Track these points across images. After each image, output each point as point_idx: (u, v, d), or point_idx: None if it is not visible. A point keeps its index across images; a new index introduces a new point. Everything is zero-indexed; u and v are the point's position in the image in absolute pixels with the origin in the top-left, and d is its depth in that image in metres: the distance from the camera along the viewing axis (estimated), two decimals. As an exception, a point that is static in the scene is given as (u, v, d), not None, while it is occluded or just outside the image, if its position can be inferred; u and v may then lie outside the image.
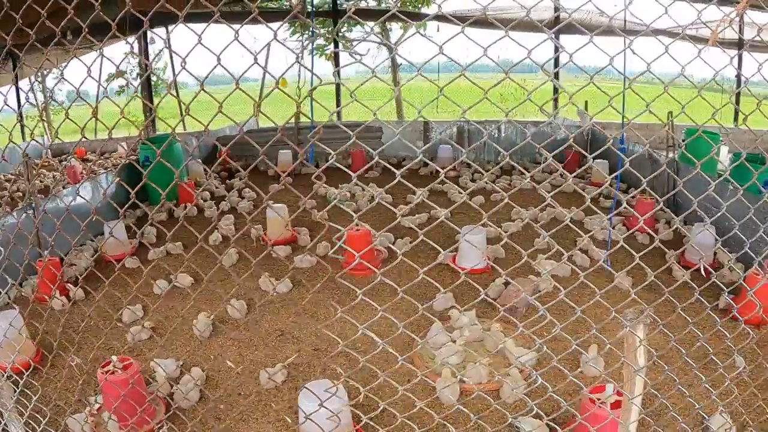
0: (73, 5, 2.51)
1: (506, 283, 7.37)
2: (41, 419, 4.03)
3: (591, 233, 9.13)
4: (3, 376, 4.16)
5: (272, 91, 2.88)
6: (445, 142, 14.22)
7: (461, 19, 14.91)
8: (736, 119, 16.07)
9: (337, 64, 16.39)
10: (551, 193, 2.65)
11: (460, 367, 5.88)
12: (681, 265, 7.75)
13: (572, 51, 2.41)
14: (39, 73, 15.39)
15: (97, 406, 5.11)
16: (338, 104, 15.87)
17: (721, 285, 3.36)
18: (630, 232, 4.97)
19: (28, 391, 4.43)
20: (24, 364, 5.38)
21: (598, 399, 4.33)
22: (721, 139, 11.34)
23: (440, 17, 14.94)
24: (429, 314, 6.62)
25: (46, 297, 7.10)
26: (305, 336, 6.49)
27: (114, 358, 4.71)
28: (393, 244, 8.84)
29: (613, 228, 9.17)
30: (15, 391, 4.01)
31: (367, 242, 8.16)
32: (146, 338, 6.46)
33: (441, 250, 3.09)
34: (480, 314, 6.85)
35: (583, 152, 2.95)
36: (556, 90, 15.48)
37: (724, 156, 12.69)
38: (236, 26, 2.22)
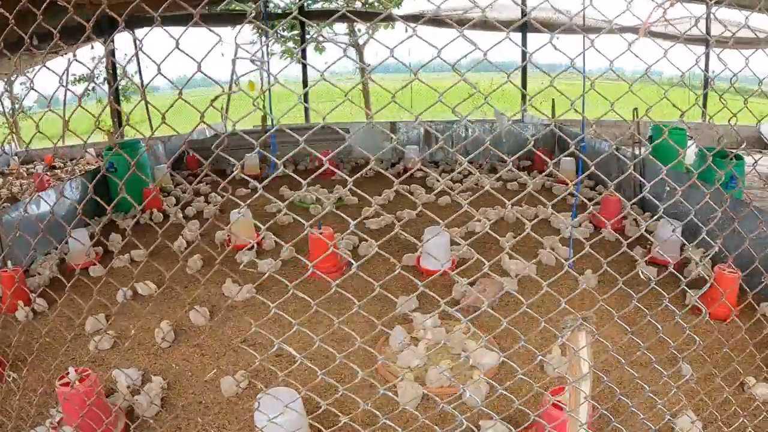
0: (42, 9, 2.45)
1: (472, 283, 7.37)
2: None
3: (556, 237, 9.19)
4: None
5: (221, 96, 2.83)
6: (412, 142, 14.25)
7: (417, 18, 14.93)
8: (703, 115, 16.25)
9: (304, 67, 16.24)
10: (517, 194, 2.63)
11: (422, 370, 5.87)
12: (648, 261, 7.83)
13: (538, 50, 2.40)
14: (6, 79, 15.11)
15: (58, 418, 5.02)
16: (306, 108, 15.77)
17: (685, 286, 3.39)
18: (594, 239, 5.02)
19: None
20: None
21: (559, 401, 4.33)
22: (687, 134, 11.44)
23: (405, 17, 14.99)
24: (391, 318, 6.83)
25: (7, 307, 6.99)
26: (267, 342, 6.43)
27: (71, 370, 4.63)
28: (357, 247, 8.81)
29: (579, 225, 9.24)
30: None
31: (327, 246, 8.12)
32: (109, 347, 6.37)
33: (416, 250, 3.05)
34: (444, 316, 6.87)
35: (544, 157, 2.95)
36: (524, 87, 15.62)
37: (691, 151, 12.85)
38: (205, 28, 2.20)
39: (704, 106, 16.28)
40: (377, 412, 3.72)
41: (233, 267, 8.23)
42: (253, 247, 8.82)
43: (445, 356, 6.13)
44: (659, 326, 4.36)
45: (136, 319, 6.94)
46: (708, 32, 15.08)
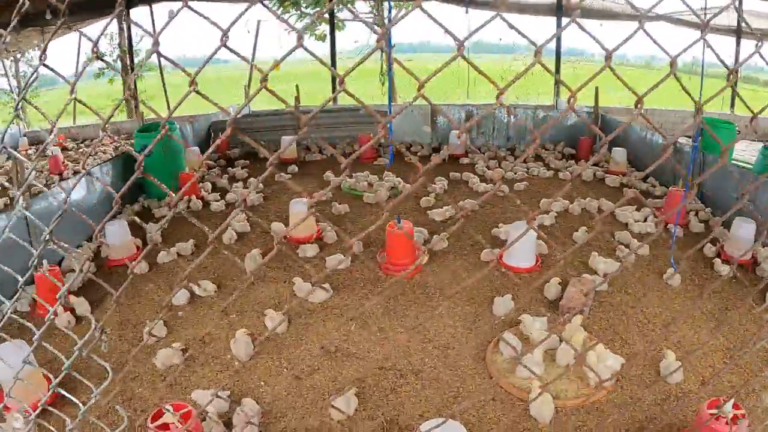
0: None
1: (561, 283, 6.60)
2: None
3: (627, 233, 8.39)
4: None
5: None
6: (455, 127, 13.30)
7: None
8: (732, 106, 15.55)
9: (333, 45, 15.21)
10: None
11: (542, 379, 5.05)
12: (722, 260, 7.18)
13: (574, 35, 1.62)
14: (12, 57, 13.98)
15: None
16: (333, 87, 14.77)
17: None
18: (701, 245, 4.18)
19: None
20: (34, 405, 4.33)
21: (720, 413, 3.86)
22: (737, 129, 10.87)
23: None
24: (490, 320, 6.01)
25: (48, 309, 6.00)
26: (363, 352, 5.52)
27: (169, 409, 3.69)
28: (427, 240, 7.89)
29: (645, 220, 8.51)
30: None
31: (410, 241, 7.19)
32: (178, 362, 5.40)
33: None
34: (550, 320, 6.06)
35: (599, 134, 2.08)
36: (557, 71, 14.73)
37: (738, 146, 12.28)
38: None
39: (733, 99, 15.60)
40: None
41: (297, 262, 7.27)
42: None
43: (561, 362, 5.33)
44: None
45: (200, 327, 5.98)
46: (739, 23, 14.31)
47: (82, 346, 1.65)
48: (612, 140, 7.57)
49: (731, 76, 1.53)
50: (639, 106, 1.53)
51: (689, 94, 1.69)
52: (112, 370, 1.69)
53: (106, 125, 1.65)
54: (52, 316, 1.95)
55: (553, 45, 14.06)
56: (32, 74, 2.00)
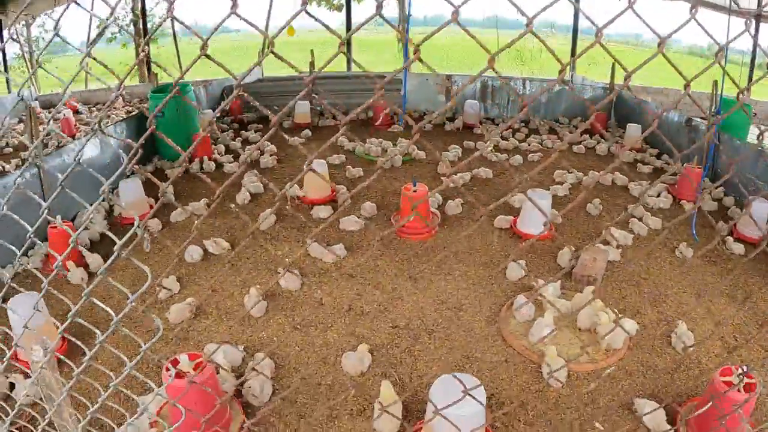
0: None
1: (574, 251, 6.55)
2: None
3: (640, 205, 8.29)
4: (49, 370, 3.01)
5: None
6: (469, 97, 13.13)
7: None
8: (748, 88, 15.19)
9: (348, 14, 15.00)
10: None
11: (555, 344, 4.99)
12: (734, 238, 7.04)
13: (591, 12, 1.57)
14: (24, 22, 13.84)
15: (154, 410, 4.06)
16: (348, 53, 14.61)
17: None
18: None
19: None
20: (59, 350, 4.32)
21: (734, 381, 3.82)
22: (753, 110, 10.66)
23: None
24: (504, 285, 5.95)
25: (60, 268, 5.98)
26: (376, 311, 5.47)
27: (182, 357, 3.64)
28: (441, 205, 7.81)
29: (658, 195, 8.38)
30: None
31: (425, 204, 7.11)
32: (191, 317, 5.37)
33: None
34: (563, 286, 6.02)
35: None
36: (574, 50, 14.50)
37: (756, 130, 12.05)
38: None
39: (749, 81, 15.25)
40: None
41: (309, 224, 7.22)
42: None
43: (571, 328, 5.28)
44: None
45: (213, 283, 5.94)
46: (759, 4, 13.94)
47: (121, 247, 1.58)
48: (627, 116, 7.56)
49: (718, 54, 1.44)
50: (687, 88, 1.45)
51: (680, 72, 1.59)
52: (150, 272, 1.62)
53: (122, 87, 1.57)
54: (60, 266, 1.88)
55: (571, 23, 13.86)
56: (48, 43, 1.91)
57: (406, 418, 4.18)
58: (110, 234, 1.97)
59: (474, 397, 2.10)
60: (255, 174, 8.51)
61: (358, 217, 7.23)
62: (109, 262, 1.72)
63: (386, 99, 12.47)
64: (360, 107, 1.47)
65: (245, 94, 1.52)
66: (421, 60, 1.41)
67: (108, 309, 1.83)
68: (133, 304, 1.69)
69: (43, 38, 18.24)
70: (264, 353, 4.76)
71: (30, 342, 4.23)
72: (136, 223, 1.60)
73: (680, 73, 1.43)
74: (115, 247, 1.55)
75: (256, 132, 11.29)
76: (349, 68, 14.60)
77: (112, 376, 1.95)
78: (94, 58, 1.80)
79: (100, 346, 2.17)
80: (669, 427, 4.09)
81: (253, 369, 4.42)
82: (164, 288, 5.72)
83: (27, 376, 4.27)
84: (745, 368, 3.80)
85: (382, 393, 4.13)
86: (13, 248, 2.24)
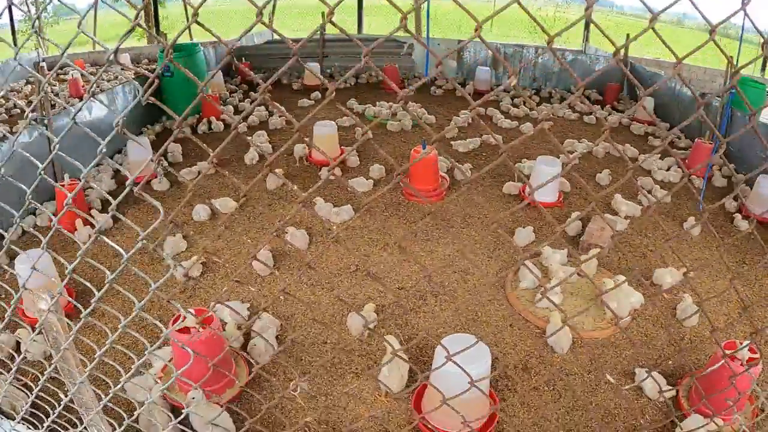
0: None
1: (581, 219, 6.49)
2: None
3: (649, 179, 8.19)
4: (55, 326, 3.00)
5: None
6: (481, 63, 12.95)
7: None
8: (763, 69, 14.90)
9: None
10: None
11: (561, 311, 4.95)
12: (742, 216, 6.92)
13: None
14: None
15: (159, 365, 4.06)
16: (360, 19, 14.43)
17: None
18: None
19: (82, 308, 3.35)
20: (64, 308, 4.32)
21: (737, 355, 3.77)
22: (767, 90, 10.45)
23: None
24: (512, 252, 5.90)
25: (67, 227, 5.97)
26: (383, 272, 5.45)
27: (189, 312, 3.62)
28: (450, 170, 7.73)
29: (669, 169, 8.25)
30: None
31: (434, 167, 7.05)
32: (198, 275, 5.36)
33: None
34: (570, 253, 5.96)
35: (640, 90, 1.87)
36: (587, 21, 14.22)
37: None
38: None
39: (764, 62, 14.91)
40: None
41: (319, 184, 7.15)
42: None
43: (578, 296, 5.24)
44: None
45: (221, 242, 5.93)
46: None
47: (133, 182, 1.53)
48: (633, 87, 7.36)
49: (712, 32, 1.35)
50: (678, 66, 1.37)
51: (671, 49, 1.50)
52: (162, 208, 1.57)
53: (117, 51, 1.48)
54: (57, 224, 1.82)
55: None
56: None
57: (411, 379, 4.17)
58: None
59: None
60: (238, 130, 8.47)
61: (367, 179, 7.17)
62: (102, 221, 1.66)
63: (396, 63, 12.37)
64: (349, 72, 1.39)
65: (234, 59, 1.44)
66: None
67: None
68: (145, 242, 1.63)
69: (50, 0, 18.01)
70: (270, 314, 4.74)
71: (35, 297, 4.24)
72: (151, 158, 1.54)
73: (670, 49, 1.35)
74: (127, 183, 1.50)
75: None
76: (359, 31, 14.42)
77: (122, 318, 1.91)
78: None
79: (109, 290, 2.14)
80: (670, 393, 4.08)
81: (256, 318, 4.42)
82: (163, 251, 5.70)
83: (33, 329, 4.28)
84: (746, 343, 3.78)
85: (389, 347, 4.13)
86: (13, 210, 2.19)
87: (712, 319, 4.99)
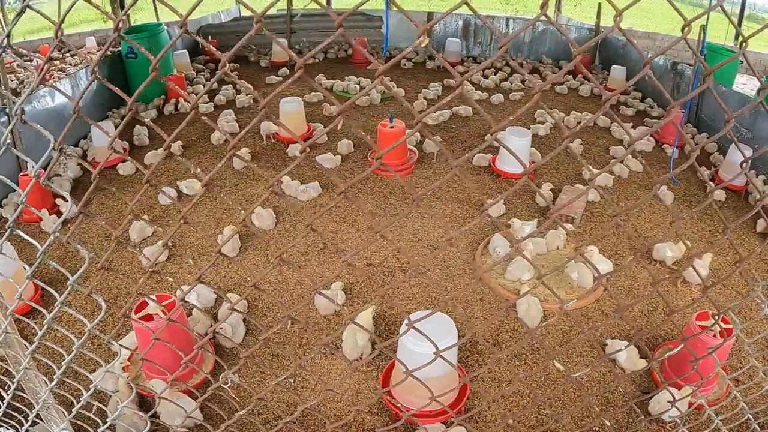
0: None
1: (553, 190, 6.42)
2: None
3: (622, 148, 8.12)
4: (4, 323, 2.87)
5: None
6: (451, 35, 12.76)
7: None
8: (736, 38, 14.86)
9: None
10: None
11: (531, 284, 4.90)
12: (716, 183, 6.88)
13: None
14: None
15: (125, 354, 3.94)
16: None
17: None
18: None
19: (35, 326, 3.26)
20: (22, 308, 4.16)
21: (709, 328, 3.71)
22: (740, 60, 10.39)
23: None
24: (481, 224, 5.81)
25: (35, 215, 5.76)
26: (353, 249, 5.34)
27: (152, 299, 3.50)
28: (419, 142, 7.61)
29: (642, 139, 8.18)
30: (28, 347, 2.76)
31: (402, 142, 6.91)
32: (164, 259, 5.21)
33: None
34: (538, 225, 5.90)
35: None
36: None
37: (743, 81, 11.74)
38: None
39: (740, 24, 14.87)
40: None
41: (285, 163, 7.01)
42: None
43: (549, 268, 5.18)
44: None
45: (186, 225, 5.76)
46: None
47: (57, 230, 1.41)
48: (612, 58, 7.29)
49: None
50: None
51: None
52: (90, 256, 1.46)
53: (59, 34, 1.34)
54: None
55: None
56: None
57: (379, 356, 4.09)
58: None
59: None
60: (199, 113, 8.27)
61: (334, 155, 7.02)
62: (45, 245, 1.53)
63: (365, 36, 12.16)
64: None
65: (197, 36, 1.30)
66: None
67: (80, 247, 1.65)
68: (57, 234, 1.51)
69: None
70: (235, 295, 4.63)
71: (4, 291, 4.10)
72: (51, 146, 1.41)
73: (681, 14, 1.24)
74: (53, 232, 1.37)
75: (232, 72, 10.89)
76: (329, 3, 14.12)
77: (87, 322, 1.79)
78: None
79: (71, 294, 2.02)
80: (643, 365, 4.04)
81: (233, 310, 4.31)
82: (130, 242, 5.54)
83: None
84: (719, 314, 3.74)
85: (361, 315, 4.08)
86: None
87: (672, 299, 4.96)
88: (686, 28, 1.19)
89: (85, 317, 1.94)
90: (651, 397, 3.65)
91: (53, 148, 1.46)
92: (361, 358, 3.97)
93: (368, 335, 4.06)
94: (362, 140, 7.72)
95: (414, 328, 1.86)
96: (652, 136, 8.35)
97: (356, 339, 3.93)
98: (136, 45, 1.34)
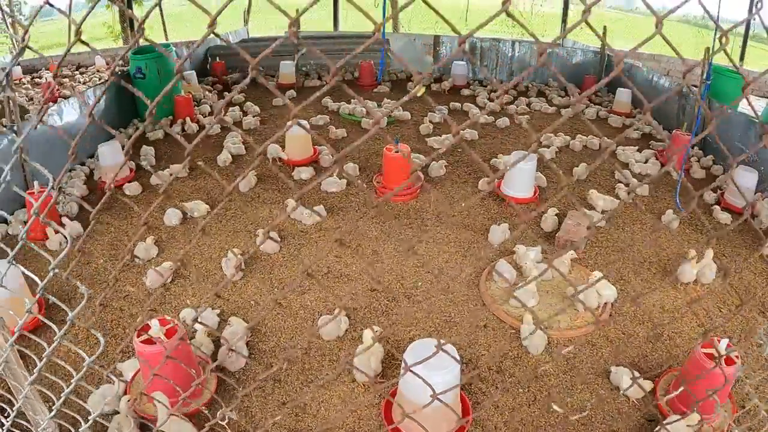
0: None
1: (558, 214, 6.43)
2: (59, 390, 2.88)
3: (627, 171, 8.15)
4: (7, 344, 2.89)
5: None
6: (457, 58, 12.88)
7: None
8: (741, 59, 14.92)
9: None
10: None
11: (536, 309, 4.93)
12: (721, 207, 6.90)
13: None
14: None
15: (129, 373, 3.96)
16: (335, 13, 14.28)
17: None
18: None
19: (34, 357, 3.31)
20: (29, 324, 4.20)
21: (715, 355, 3.71)
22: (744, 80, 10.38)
23: None
24: (485, 249, 5.83)
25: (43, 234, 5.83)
26: (356, 274, 5.37)
27: (153, 322, 3.52)
28: (426, 166, 7.64)
29: (646, 162, 8.20)
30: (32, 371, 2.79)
31: (407, 165, 6.95)
32: (169, 281, 5.25)
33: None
34: (544, 250, 5.93)
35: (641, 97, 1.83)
36: (565, 13, 14.20)
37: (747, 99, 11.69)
38: None
39: (742, 52, 14.92)
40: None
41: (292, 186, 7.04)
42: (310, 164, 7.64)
43: (553, 294, 5.19)
44: None
45: (192, 247, 5.81)
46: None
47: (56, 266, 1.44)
48: (617, 80, 7.29)
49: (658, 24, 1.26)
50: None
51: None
52: (88, 293, 1.49)
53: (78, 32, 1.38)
54: (26, 234, 1.71)
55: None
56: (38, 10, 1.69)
57: (380, 382, 4.10)
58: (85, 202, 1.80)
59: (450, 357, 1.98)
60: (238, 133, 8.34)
61: (340, 178, 7.07)
62: (45, 281, 1.57)
63: (372, 59, 12.26)
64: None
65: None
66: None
67: (80, 284, 1.67)
68: (56, 271, 1.55)
69: (25, 2, 17.75)
70: (240, 318, 4.65)
71: (5, 315, 4.13)
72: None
73: (679, 55, 1.26)
74: (50, 267, 1.41)
75: (240, 93, 10.99)
76: (335, 28, 14.28)
77: (85, 356, 1.82)
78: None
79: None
80: (648, 392, 4.04)
81: (232, 351, 4.33)
82: (136, 257, 5.57)
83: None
84: (727, 340, 3.76)
85: (365, 338, 4.10)
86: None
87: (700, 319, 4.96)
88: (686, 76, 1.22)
89: (87, 341, 1.96)
90: (658, 430, 3.65)
91: (53, 187, 1.50)
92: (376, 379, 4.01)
93: (380, 356, 4.10)
94: (369, 162, 7.78)
95: (411, 371, 1.88)
96: (656, 158, 8.37)
97: (370, 361, 3.96)
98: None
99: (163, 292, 5.08)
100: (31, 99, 11.87)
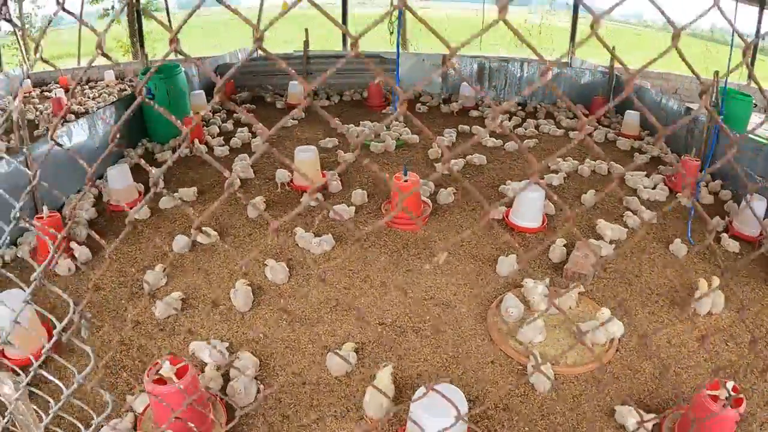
0: None
1: (566, 245, 6.45)
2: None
3: (636, 198, 8.16)
4: (19, 382, 2.93)
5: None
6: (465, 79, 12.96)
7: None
8: (748, 78, 14.95)
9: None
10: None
11: (544, 345, 4.95)
12: (730, 235, 6.92)
13: None
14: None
15: (139, 408, 4.01)
16: (344, 34, 14.36)
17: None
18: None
19: (40, 392, 3.37)
20: (35, 354, 4.25)
21: (721, 398, 3.77)
22: (754, 102, 10.44)
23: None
24: (493, 281, 5.86)
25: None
26: (365, 307, 5.41)
27: (166, 364, 3.56)
28: (434, 194, 7.68)
29: (655, 188, 8.22)
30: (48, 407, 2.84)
31: (416, 194, 7.01)
32: (177, 312, 5.30)
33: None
34: (553, 283, 5.96)
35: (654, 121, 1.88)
36: (574, 29, 14.28)
37: (754, 119, 11.77)
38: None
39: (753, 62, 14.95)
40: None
41: (302, 213, 7.11)
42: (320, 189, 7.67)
43: (561, 328, 5.22)
44: None
45: (201, 275, 5.87)
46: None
47: (62, 330, 1.49)
48: (625, 103, 7.32)
49: (674, 38, 1.30)
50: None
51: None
52: (95, 353, 1.54)
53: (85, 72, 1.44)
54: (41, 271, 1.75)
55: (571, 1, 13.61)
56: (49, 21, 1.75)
57: (390, 422, 4.14)
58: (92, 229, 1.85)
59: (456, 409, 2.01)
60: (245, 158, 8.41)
61: (349, 206, 7.13)
62: (51, 343, 1.63)
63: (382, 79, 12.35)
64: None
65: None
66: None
67: (86, 347, 1.72)
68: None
69: (35, 14, 17.92)
70: (249, 351, 4.70)
71: (20, 341, 4.19)
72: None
73: (697, 75, 1.31)
74: (55, 331, 1.46)
75: (248, 113, 11.07)
76: (344, 46, 14.38)
77: (92, 412, 1.86)
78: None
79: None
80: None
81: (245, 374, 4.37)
82: (146, 283, 5.64)
83: (16, 373, 4.21)
84: (732, 383, 3.79)
85: (380, 377, 4.13)
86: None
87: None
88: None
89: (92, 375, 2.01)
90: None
91: (66, 220, 1.56)
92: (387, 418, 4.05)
93: (392, 394, 4.14)
94: (377, 190, 7.83)
95: (413, 421, 1.93)
96: (665, 184, 8.40)
97: (381, 401, 4.00)
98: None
99: (172, 322, 5.13)
100: (41, 113, 11.96)
